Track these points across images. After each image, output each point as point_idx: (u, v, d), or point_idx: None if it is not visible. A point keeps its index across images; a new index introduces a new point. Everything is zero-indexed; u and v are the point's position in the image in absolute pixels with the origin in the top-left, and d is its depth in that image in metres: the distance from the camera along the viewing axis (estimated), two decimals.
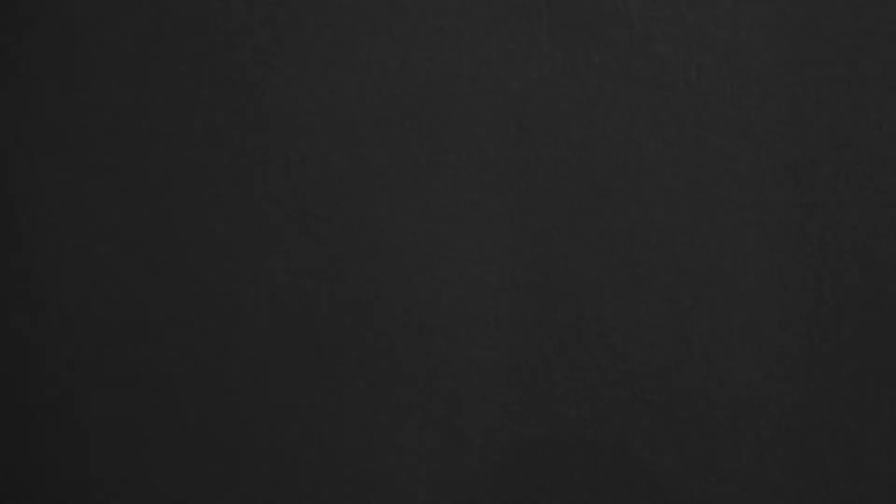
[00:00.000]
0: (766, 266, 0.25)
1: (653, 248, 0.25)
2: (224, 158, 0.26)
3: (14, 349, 0.39)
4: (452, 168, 0.25)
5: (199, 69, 0.30)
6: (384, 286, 0.25)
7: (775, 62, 0.24)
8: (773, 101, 0.24)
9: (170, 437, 0.33)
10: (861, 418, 0.25)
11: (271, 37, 0.27)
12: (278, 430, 0.25)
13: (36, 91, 0.36)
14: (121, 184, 0.35)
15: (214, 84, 0.25)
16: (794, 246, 0.24)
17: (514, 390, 0.26)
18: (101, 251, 0.35)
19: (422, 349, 0.26)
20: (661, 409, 0.25)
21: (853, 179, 0.24)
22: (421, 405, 0.26)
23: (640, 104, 0.25)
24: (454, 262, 0.25)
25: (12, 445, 0.37)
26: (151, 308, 0.33)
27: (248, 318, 0.24)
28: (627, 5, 0.24)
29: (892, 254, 0.24)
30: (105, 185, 0.35)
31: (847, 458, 0.24)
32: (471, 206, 0.25)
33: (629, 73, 0.25)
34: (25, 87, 0.36)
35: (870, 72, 0.24)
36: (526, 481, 0.26)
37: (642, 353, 0.25)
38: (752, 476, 0.25)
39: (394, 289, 0.25)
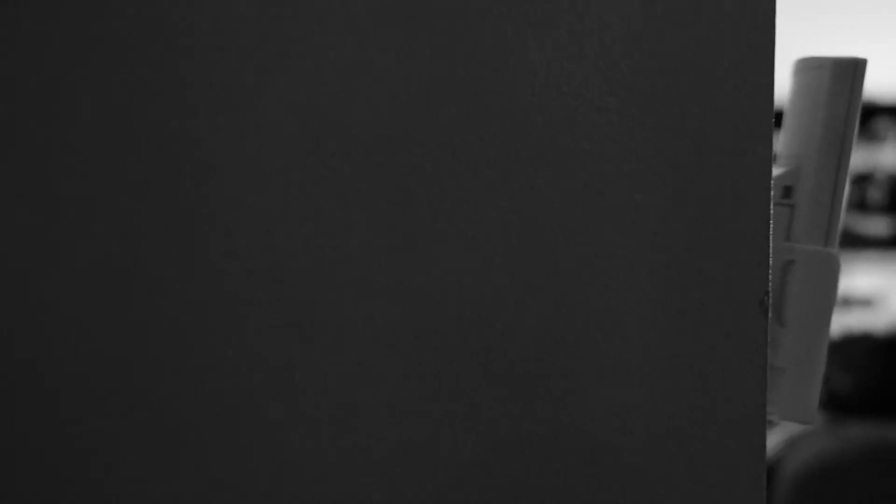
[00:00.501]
0: (643, 266, 0.26)
1: (531, 248, 0.26)
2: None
3: None
4: (333, 171, 0.26)
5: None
6: (267, 290, 0.26)
7: (633, 69, 0.26)
8: (637, 106, 0.26)
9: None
10: (727, 418, 0.26)
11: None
12: (152, 439, 0.25)
13: None
14: None
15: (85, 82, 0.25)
16: (667, 245, 0.26)
17: (402, 393, 0.27)
18: None
19: (307, 355, 0.27)
20: (537, 407, 0.27)
21: (717, 180, 0.26)
22: (308, 413, 0.27)
23: (515, 105, 0.26)
24: (335, 265, 0.27)
25: None
26: None
27: (122, 325, 0.24)
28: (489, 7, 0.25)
29: (751, 251, 0.26)
30: None
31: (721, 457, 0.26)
32: (351, 207, 0.26)
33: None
34: None
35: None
36: (415, 483, 0.27)
37: (522, 354, 0.27)
38: (633, 479, 0.27)
39: (276, 293, 0.26)
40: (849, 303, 2.68)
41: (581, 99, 0.26)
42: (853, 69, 0.30)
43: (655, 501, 0.26)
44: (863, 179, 2.61)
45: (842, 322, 2.64)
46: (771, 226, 0.26)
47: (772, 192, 0.26)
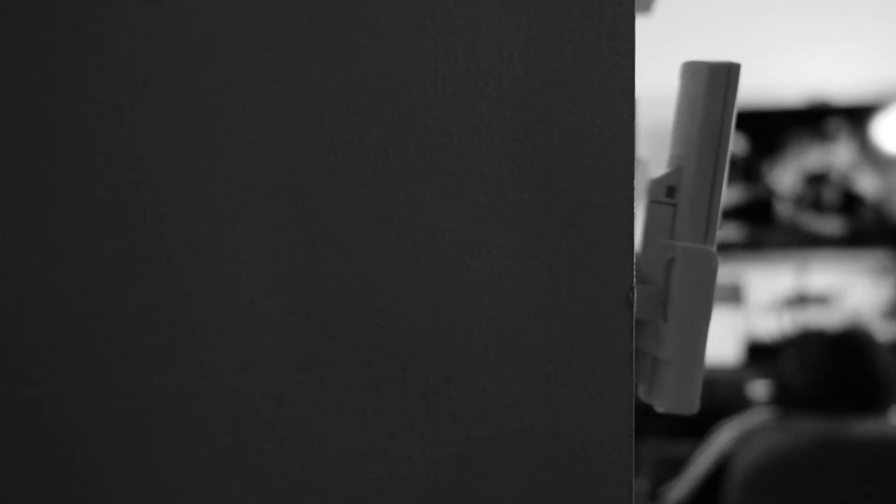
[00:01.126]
0: (513, 262, 0.27)
1: (409, 244, 0.27)
2: None
3: None
4: (223, 168, 0.27)
5: None
6: (154, 287, 0.27)
7: (504, 76, 0.27)
8: (509, 109, 0.27)
9: None
10: (594, 407, 0.27)
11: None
12: (42, 436, 0.26)
13: None
14: None
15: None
16: (537, 242, 0.27)
17: (296, 388, 0.28)
18: None
19: (200, 350, 0.27)
20: (416, 398, 0.28)
21: (582, 181, 0.27)
22: (202, 409, 0.27)
23: (393, 107, 0.27)
24: (223, 261, 0.27)
25: None
26: None
27: (13, 319, 0.25)
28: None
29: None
30: None
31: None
32: (239, 204, 0.27)
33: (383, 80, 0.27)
34: None
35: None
36: (304, 471, 0.28)
37: (402, 348, 0.28)
38: (506, 466, 0.28)
39: (164, 290, 0.27)
40: (805, 301, 2.74)
41: (456, 103, 0.27)
42: (727, 74, 0.32)
43: (528, 488, 0.27)
44: (817, 180, 2.67)
45: (799, 319, 2.70)
46: (635, 224, 0.27)
47: (635, 192, 0.27)
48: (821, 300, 2.75)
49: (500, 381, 0.27)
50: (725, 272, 2.83)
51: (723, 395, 2.31)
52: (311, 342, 0.28)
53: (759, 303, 2.80)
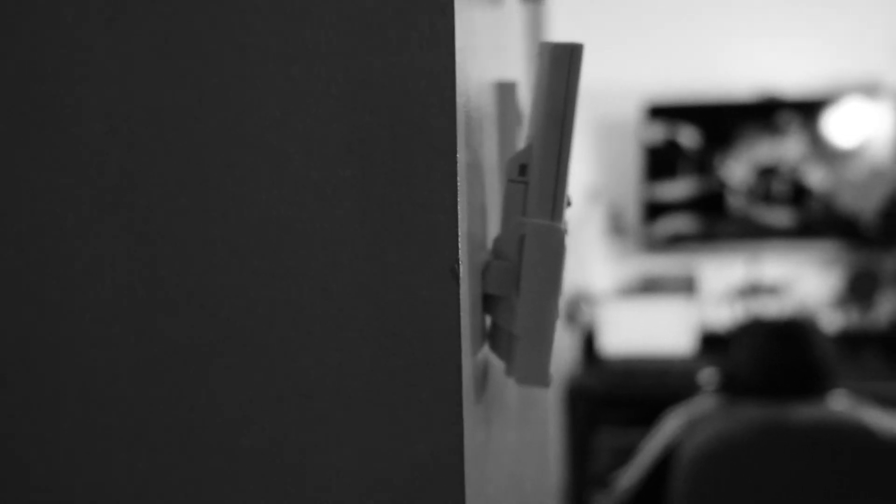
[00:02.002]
0: (346, 236, 0.28)
1: (250, 218, 0.28)
2: None
3: None
4: (63, 163, 0.27)
5: None
6: None
7: (345, 55, 0.27)
8: (338, 88, 0.27)
9: None
10: (423, 377, 0.28)
11: None
12: None
13: None
14: None
15: None
16: (368, 217, 0.27)
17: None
18: None
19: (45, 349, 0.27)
20: (261, 364, 0.28)
21: (408, 159, 0.27)
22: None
23: (233, 88, 0.27)
24: (65, 257, 0.27)
25: None
26: None
27: None
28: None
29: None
30: None
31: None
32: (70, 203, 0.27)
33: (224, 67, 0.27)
34: None
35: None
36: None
37: (240, 322, 0.28)
38: (341, 434, 0.28)
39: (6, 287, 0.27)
40: (756, 291, 2.80)
41: (292, 83, 0.28)
42: (569, 54, 0.32)
43: (362, 455, 0.28)
44: (767, 172, 2.72)
45: (751, 309, 2.75)
46: (458, 199, 0.27)
47: (458, 167, 0.28)
48: (772, 290, 2.81)
49: (329, 353, 0.28)
50: (679, 263, 2.87)
51: (676, 385, 2.36)
52: (147, 320, 0.28)
53: (712, 293, 2.85)
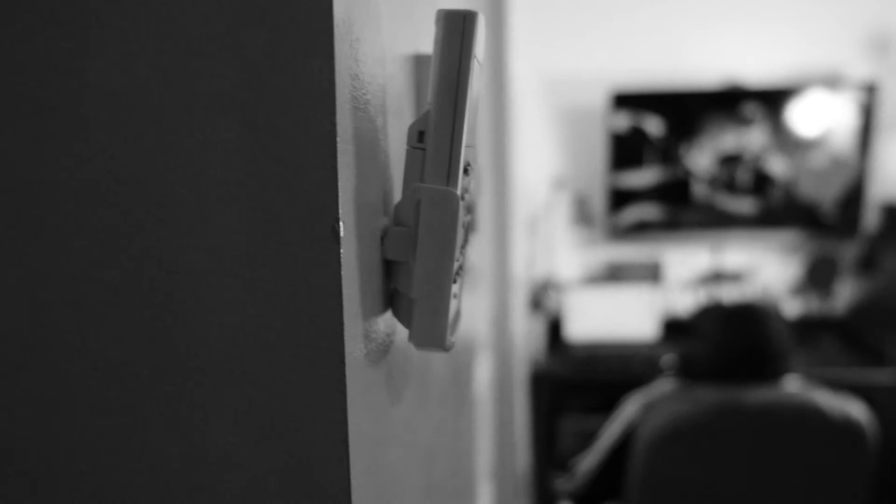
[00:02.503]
0: (231, 197, 0.28)
1: (140, 177, 0.28)
2: None
3: None
4: None
5: None
6: None
7: (229, 25, 0.27)
8: (225, 54, 0.27)
9: None
10: (305, 334, 0.29)
11: None
12: None
13: None
14: None
15: None
16: (253, 179, 0.28)
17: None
18: None
19: None
20: (153, 326, 0.28)
21: (289, 123, 0.28)
22: None
23: (125, 55, 0.27)
24: None
25: None
26: None
27: None
28: None
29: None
30: None
31: None
32: None
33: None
34: None
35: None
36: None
37: (131, 286, 0.28)
38: (230, 387, 0.29)
39: None
40: (720, 278, 2.84)
41: (178, 50, 0.28)
42: (462, 21, 0.33)
43: (248, 403, 0.28)
44: (731, 161, 2.75)
45: (714, 296, 2.79)
46: (339, 162, 0.28)
47: (340, 132, 0.28)
48: (734, 277, 2.85)
49: (212, 311, 0.28)
50: (644, 251, 2.90)
51: (640, 370, 2.39)
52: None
53: (676, 280, 2.88)
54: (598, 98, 2.76)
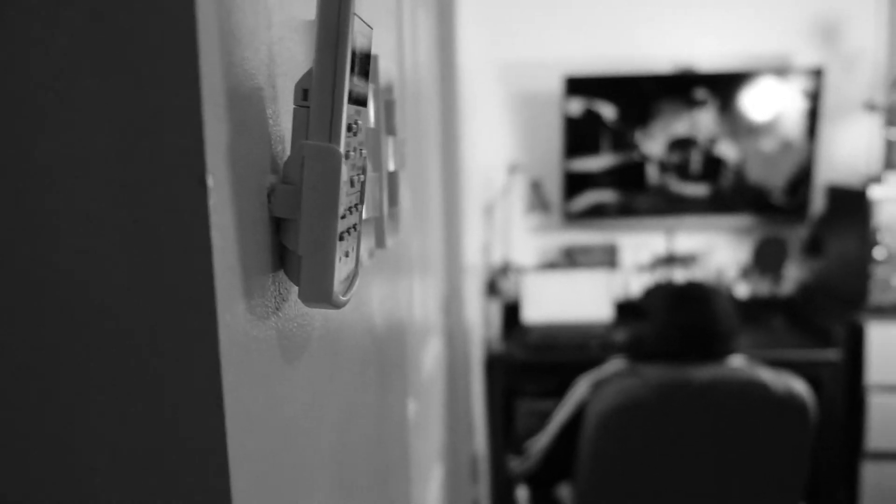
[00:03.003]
0: (103, 151, 0.28)
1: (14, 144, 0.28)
2: None
3: None
4: None
5: None
6: None
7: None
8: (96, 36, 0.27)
9: None
10: (174, 283, 0.29)
11: None
12: None
13: None
14: None
15: None
16: (123, 136, 0.28)
17: None
18: None
19: None
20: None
21: (153, 79, 0.28)
22: None
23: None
24: None
25: None
26: None
27: None
28: None
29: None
30: None
31: None
32: None
33: None
34: None
35: None
36: None
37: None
38: (110, 335, 0.29)
39: None
40: (673, 261, 2.89)
41: (59, 27, 0.28)
42: None
43: (118, 358, 0.29)
44: (683, 146, 2.80)
45: (667, 279, 2.84)
46: (203, 117, 0.28)
47: (205, 84, 0.28)
48: (687, 260, 2.91)
49: (83, 267, 0.28)
50: (599, 235, 2.94)
51: (596, 353, 2.42)
52: None
53: (631, 264, 2.93)
54: (552, 84, 2.78)
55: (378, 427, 0.66)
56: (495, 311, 2.60)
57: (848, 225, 2.54)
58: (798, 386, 1.70)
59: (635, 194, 2.82)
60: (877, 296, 2.45)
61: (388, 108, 0.62)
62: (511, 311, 2.78)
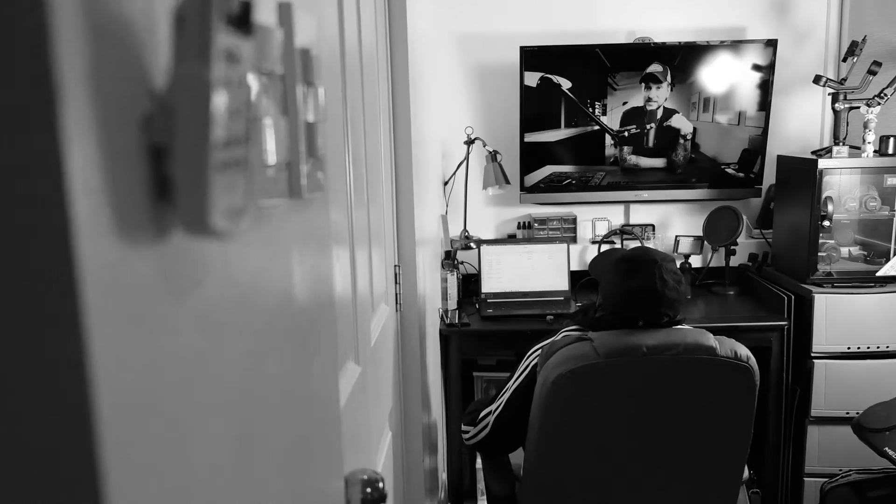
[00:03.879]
0: None
1: None
2: None
3: None
4: None
5: None
6: None
7: None
8: None
9: None
10: None
11: None
12: None
13: None
14: None
15: None
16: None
17: None
18: None
19: None
20: None
21: None
22: None
23: None
24: None
25: None
26: None
27: None
28: None
29: None
30: None
31: None
32: None
33: None
34: None
35: None
36: None
37: None
38: None
39: None
40: (630, 233, 2.92)
41: None
42: None
43: None
44: (640, 119, 2.82)
45: (611, 247, 2.88)
46: (47, 22, 0.28)
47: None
48: (643, 231, 2.94)
49: None
50: (559, 208, 2.96)
51: (552, 323, 2.45)
52: None
53: (589, 236, 2.96)
54: (511, 57, 2.78)
55: (296, 384, 0.66)
56: (453, 283, 2.61)
57: (797, 197, 2.59)
58: (743, 350, 1.74)
59: (593, 167, 2.84)
60: (823, 266, 2.51)
61: (304, 58, 0.62)
62: (469, 283, 2.79)
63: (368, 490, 0.85)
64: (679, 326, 1.79)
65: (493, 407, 1.92)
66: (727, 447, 1.81)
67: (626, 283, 1.75)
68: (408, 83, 1.75)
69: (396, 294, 1.75)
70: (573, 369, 1.68)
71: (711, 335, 1.74)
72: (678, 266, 1.86)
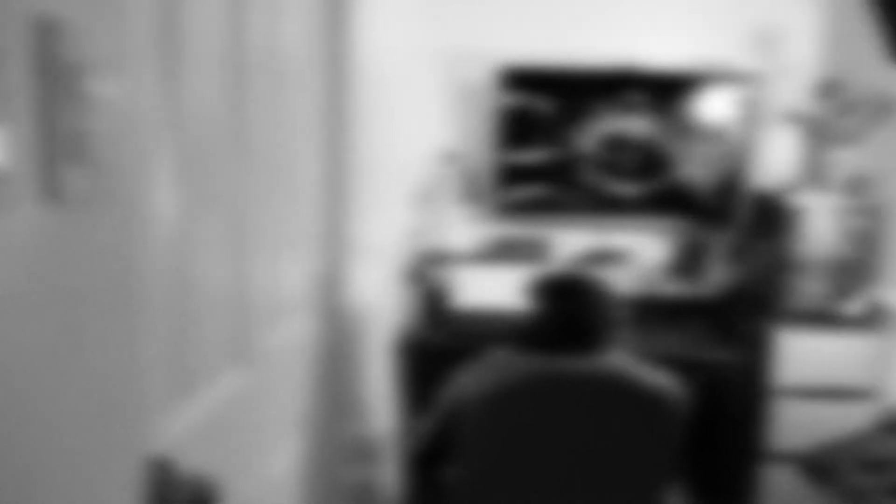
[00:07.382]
0: None
1: None
2: None
3: None
4: None
5: None
6: None
7: None
8: None
9: None
10: None
11: None
12: None
13: None
14: None
15: None
16: None
17: None
18: None
19: None
20: None
21: None
22: None
23: None
24: None
25: None
26: None
27: None
28: None
29: None
30: None
31: None
32: None
33: None
34: None
35: None
36: None
37: None
38: None
39: None
40: (602, 259, 2.91)
41: None
42: None
43: None
44: (617, 145, 2.81)
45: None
46: None
47: None
48: (615, 258, 2.93)
49: None
50: (531, 229, 2.97)
51: (512, 342, 2.45)
52: None
53: (561, 260, 2.95)
54: (487, 74, 2.80)
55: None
56: (414, 297, 2.63)
57: (768, 232, 2.56)
58: (667, 382, 1.73)
59: (567, 191, 2.84)
60: (789, 302, 2.47)
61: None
62: (433, 299, 2.81)
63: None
64: (607, 352, 1.78)
65: (425, 422, 1.94)
66: (643, 478, 1.79)
67: (552, 309, 1.75)
68: (351, 95, 1.79)
69: (323, 303, 1.78)
70: (495, 393, 1.69)
71: (637, 364, 1.73)
72: (606, 291, 1.84)
